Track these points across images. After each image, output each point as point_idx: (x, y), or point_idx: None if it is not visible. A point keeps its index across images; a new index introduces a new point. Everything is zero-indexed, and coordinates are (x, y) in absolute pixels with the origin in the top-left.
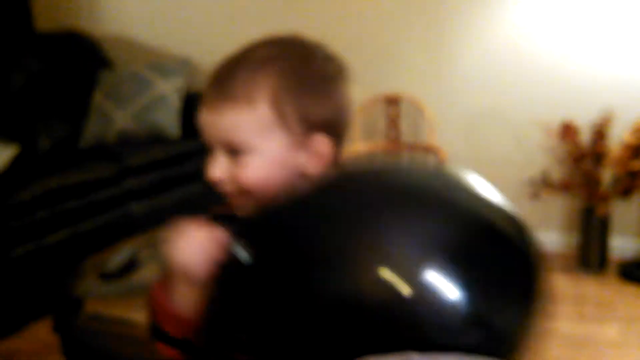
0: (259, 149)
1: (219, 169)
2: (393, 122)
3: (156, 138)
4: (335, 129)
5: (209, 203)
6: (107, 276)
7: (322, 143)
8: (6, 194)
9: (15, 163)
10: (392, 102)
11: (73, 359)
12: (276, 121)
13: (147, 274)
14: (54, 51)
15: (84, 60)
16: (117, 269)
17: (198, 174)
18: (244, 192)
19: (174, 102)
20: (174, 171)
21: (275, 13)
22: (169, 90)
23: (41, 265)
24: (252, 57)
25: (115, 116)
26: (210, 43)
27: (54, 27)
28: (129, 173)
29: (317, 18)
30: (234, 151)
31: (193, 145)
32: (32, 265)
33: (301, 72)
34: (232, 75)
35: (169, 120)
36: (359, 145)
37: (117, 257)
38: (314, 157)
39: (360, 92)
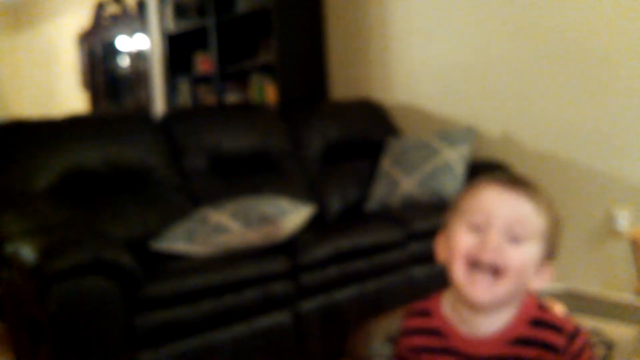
0: (529, 245)
1: (502, 246)
2: None
3: (439, 204)
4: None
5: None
6: (394, 339)
7: (549, 272)
8: (302, 250)
9: (310, 223)
10: None
11: None
12: (544, 236)
13: None
14: (349, 119)
15: (376, 127)
16: None
17: None
18: (496, 273)
19: (459, 170)
20: None
21: (560, 84)
22: (455, 158)
23: (330, 319)
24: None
25: (401, 181)
26: (494, 112)
27: (348, 96)
28: (413, 237)
29: (607, 88)
30: (515, 236)
31: None
32: (319, 319)
33: (557, 217)
34: (533, 189)
35: (453, 187)
36: None
37: None
38: (539, 278)
39: None
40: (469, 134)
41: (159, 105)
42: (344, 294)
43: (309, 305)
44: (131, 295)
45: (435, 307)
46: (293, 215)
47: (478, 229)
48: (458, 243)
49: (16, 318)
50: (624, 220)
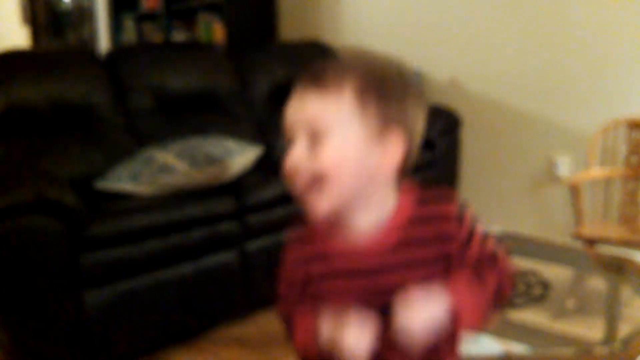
0: (339, 135)
1: (297, 154)
2: (636, 148)
3: None
4: (408, 135)
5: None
6: None
7: (396, 141)
8: (249, 191)
9: (257, 164)
10: (636, 126)
11: None
12: (358, 112)
13: None
14: (297, 60)
15: None
16: None
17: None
18: (318, 181)
19: None
20: None
21: (508, 33)
22: None
23: (272, 259)
24: (343, 59)
25: None
26: (442, 58)
27: (297, 37)
28: None
29: (556, 38)
30: (316, 137)
31: (421, 157)
32: (265, 259)
33: (382, 76)
34: (324, 70)
35: None
36: (596, 170)
37: None
38: (387, 155)
39: (601, 114)
40: (416, 78)
41: (103, 42)
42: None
43: (254, 245)
44: (76, 235)
45: (315, 228)
46: (239, 156)
47: (286, 137)
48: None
49: None
50: (564, 167)
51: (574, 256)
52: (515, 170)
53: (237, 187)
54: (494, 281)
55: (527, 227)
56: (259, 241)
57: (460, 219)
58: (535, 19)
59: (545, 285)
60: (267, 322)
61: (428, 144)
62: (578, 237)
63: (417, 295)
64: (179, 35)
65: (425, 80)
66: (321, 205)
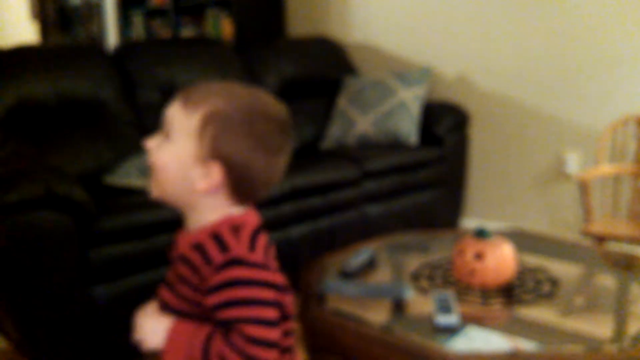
0: (178, 144)
1: (152, 142)
2: None
3: (394, 144)
4: (239, 178)
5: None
6: (348, 275)
7: (215, 172)
8: None
9: None
10: None
11: (313, 348)
12: (197, 135)
13: (383, 275)
14: (305, 56)
15: (332, 66)
16: (357, 269)
17: (432, 182)
18: (152, 170)
19: (414, 110)
20: (409, 177)
21: (517, 28)
22: (410, 98)
23: (284, 255)
24: (217, 89)
25: (357, 121)
26: (451, 54)
27: (305, 33)
28: (367, 176)
29: (562, 33)
30: (166, 136)
31: (429, 154)
32: (275, 255)
33: (232, 118)
34: (196, 90)
35: (408, 128)
36: (605, 167)
37: (357, 257)
38: (205, 179)
39: (611, 110)
40: (426, 74)
41: (111, 38)
42: (298, 230)
43: None
44: (85, 230)
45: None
46: None
47: None
48: None
49: None
50: (573, 163)
51: (583, 253)
52: (524, 166)
53: None
54: (214, 352)
55: (536, 223)
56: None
57: (219, 268)
58: (544, 15)
59: (554, 282)
60: None
61: (436, 140)
62: (587, 234)
63: (158, 313)
64: (187, 31)
65: (434, 76)
66: (151, 189)
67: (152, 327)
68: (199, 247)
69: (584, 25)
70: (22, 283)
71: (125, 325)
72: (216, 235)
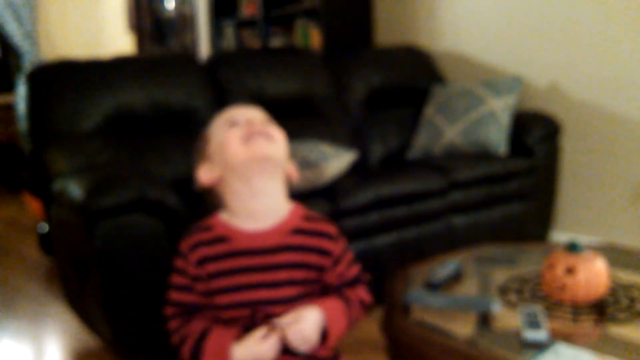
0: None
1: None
2: None
3: (482, 154)
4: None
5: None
6: (433, 286)
7: (294, 168)
8: (343, 196)
9: (352, 168)
10: None
11: (396, 359)
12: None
13: (469, 288)
14: (393, 65)
15: (420, 75)
16: (443, 280)
17: (521, 194)
18: (269, 138)
19: (504, 120)
20: (497, 188)
21: (611, 35)
22: (500, 107)
23: (369, 264)
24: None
25: (445, 130)
26: (542, 62)
27: (393, 42)
28: (454, 186)
29: None
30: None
31: (519, 164)
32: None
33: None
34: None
35: (497, 138)
36: None
37: (443, 268)
38: (290, 167)
39: None
40: (515, 83)
41: (203, 49)
42: (383, 240)
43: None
44: (176, 234)
45: (215, 221)
46: (335, 161)
47: (236, 123)
48: (230, 133)
49: (64, 254)
50: None
51: None
52: (619, 178)
53: (331, 191)
54: (355, 300)
55: (630, 238)
56: (353, 246)
57: (336, 239)
58: (639, 21)
59: None
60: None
61: (526, 151)
62: None
63: (303, 311)
64: (276, 41)
65: (524, 85)
66: (267, 146)
67: (310, 325)
68: (299, 231)
69: None
70: (115, 284)
71: None
72: (307, 217)
